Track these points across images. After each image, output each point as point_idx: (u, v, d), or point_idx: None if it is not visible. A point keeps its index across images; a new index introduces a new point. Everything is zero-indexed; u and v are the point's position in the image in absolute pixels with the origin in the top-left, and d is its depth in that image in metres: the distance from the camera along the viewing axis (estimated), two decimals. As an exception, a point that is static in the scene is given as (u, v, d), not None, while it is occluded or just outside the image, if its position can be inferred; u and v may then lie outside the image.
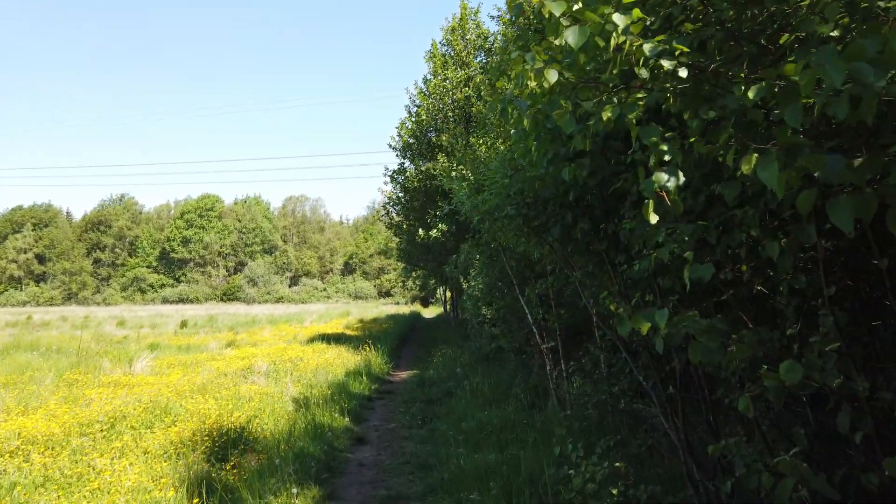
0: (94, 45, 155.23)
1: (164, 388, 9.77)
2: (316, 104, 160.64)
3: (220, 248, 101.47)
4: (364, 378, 11.51)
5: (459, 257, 13.76)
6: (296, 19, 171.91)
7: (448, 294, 37.94)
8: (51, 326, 35.33)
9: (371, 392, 10.90)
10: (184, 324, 34.61)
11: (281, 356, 14.67)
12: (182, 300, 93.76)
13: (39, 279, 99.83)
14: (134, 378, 11.58)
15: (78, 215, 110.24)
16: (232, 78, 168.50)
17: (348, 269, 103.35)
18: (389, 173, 18.44)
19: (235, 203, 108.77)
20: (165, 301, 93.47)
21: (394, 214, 19.02)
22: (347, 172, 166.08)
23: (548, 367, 7.32)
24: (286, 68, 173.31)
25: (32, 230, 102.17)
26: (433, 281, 70.00)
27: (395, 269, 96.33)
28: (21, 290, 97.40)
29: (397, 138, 17.48)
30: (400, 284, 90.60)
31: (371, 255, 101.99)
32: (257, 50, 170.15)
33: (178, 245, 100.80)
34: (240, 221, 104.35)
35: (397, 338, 22.66)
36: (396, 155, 18.16)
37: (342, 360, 14.20)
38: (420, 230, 15.80)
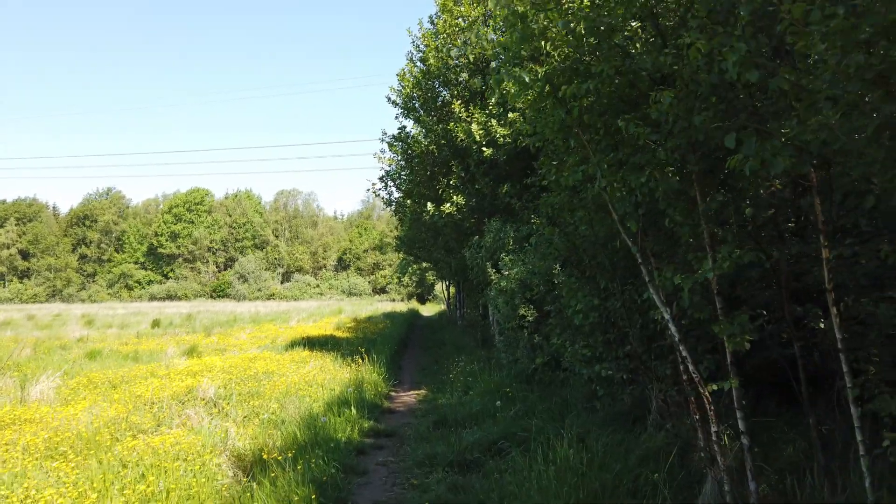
0: (84, 31, 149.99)
1: (34, 437, 6.15)
2: (311, 91, 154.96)
3: (210, 243, 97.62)
4: (353, 409, 7.86)
5: (485, 238, 10.16)
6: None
7: (451, 290, 34.20)
8: (11, 326, 31.52)
9: (363, 435, 7.24)
10: (156, 323, 30.85)
11: (244, 371, 11.02)
12: (170, 297, 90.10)
13: (23, 276, 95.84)
14: (18, 410, 7.91)
15: (65, 210, 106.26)
16: (225, 65, 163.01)
17: (342, 265, 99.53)
18: (387, 139, 14.74)
19: (226, 198, 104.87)
20: (153, 298, 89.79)
21: (393, 190, 15.30)
22: (342, 163, 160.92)
23: (712, 428, 3.70)
24: (281, 53, 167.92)
25: (16, 225, 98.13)
26: (431, 276, 66.56)
27: (390, 265, 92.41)
28: (4, 287, 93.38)
29: (398, 87, 13.67)
30: (396, 281, 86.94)
31: (366, 251, 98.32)
32: (248, 34, 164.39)
33: (166, 240, 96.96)
34: (230, 216, 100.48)
35: (396, 341, 19.01)
36: (397, 116, 14.46)
37: (326, 377, 10.58)
38: (428, 205, 12.10)
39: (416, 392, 10.67)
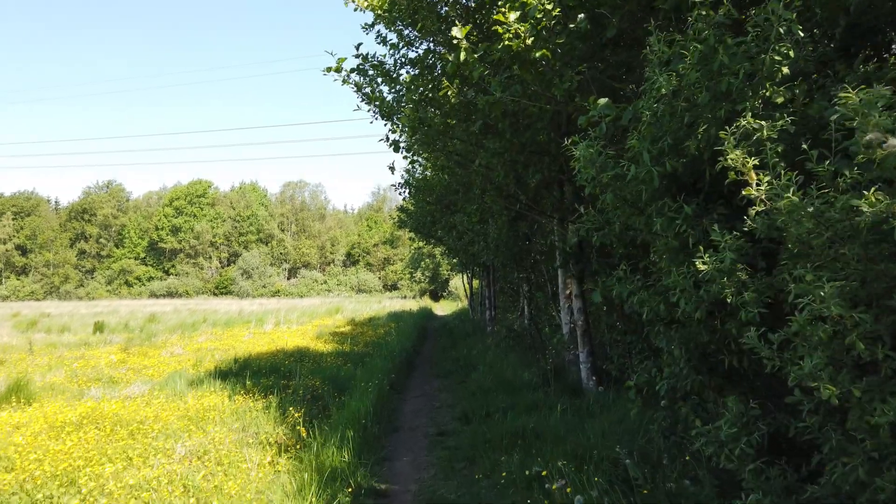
0: (78, 18, 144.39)
1: None
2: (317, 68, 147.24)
3: (213, 237, 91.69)
4: None
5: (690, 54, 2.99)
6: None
7: (475, 283, 26.95)
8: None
9: None
10: (99, 327, 24.18)
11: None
12: (171, 294, 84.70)
13: (21, 272, 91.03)
14: None
15: (67, 203, 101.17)
16: (229, 52, 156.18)
17: (351, 261, 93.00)
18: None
19: (232, 190, 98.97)
20: (153, 295, 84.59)
21: (384, 89, 7.62)
22: (351, 147, 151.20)
23: None
24: (281, 34, 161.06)
25: (13, 219, 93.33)
26: (446, 271, 58.63)
27: (401, 260, 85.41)
28: (1, 283, 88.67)
29: None
30: (407, 276, 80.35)
31: (376, 245, 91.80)
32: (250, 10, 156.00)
33: (167, 234, 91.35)
34: (234, 209, 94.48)
35: (398, 361, 12.01)
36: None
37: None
38: (454, 30, 4.72)
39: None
